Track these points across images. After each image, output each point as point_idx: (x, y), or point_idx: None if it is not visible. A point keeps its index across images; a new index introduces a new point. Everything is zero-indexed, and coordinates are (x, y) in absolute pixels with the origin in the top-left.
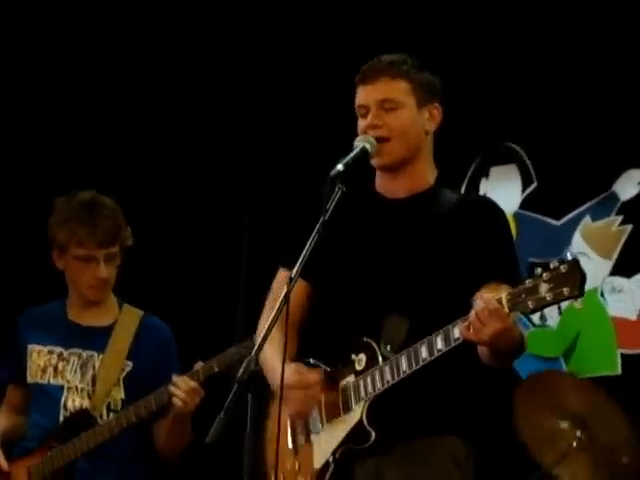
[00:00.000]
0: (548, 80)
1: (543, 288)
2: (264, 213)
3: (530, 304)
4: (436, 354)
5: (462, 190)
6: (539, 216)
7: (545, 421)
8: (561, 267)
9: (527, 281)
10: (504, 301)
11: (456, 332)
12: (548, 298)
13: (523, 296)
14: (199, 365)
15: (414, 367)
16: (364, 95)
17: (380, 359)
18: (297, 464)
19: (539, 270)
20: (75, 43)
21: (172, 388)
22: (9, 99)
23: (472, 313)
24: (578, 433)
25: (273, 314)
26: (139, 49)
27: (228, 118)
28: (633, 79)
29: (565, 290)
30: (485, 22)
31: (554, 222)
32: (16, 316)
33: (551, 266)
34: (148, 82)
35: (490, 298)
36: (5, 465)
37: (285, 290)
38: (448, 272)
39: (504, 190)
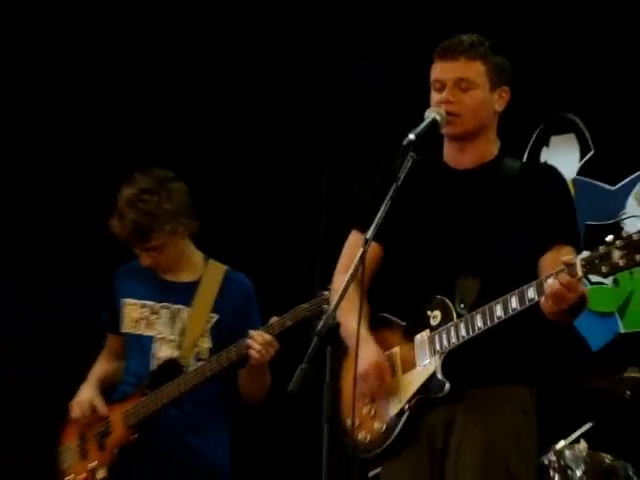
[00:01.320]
0: (603, 55)
1: (616, 254)
2: (342, 167)
3: (604, 269)
4: (511, 313)
5: (524, 158)
6: (596, 182)
7: None
8: (633, 236)
9: (600, 248)
10: (578, 266)
11: (530, 293)
12: (621, 264)
13: (596, 261)
14: (274, 320)
15: (489, 324)
16: (441, 71)
17: (455, 316)
18: (373, 410)
19: (611, 237)
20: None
21: (249, 341)
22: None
23: (550, 283)
24: None
25: (349, 274)
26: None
27: (306, 73)
28: None
29: (637, 257)
30: None
31: (610, 187)
32: (113, 271)
33: (623, 234)
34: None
35: (567, 262)
36: (103, 410)
37: (361, 251)
38: (515, 235)
39: (563, 158)
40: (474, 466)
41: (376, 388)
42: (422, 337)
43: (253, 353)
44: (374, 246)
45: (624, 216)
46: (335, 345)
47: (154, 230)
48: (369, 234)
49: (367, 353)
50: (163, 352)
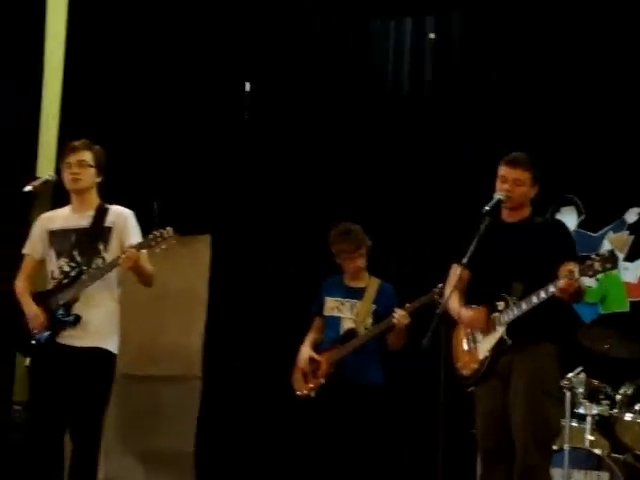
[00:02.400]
0: (594, 156)
1: (597, 265)
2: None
3: (590, 272)
4: (540, 300)
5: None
6: (585, 231)
7: None
8: (604, 253)
9: (587, 262)
10: (576, 271)
11: (551, 288)
12: (600, 269)
13: (586, 269)
14: (407, 305)
15: (529, 307)
16: (506, 173)
17: (511, 303)
18: (470, 357)
19: (593, 255)
20: None
21: (393, 319)
22: None
23: (561, 282)
24: None
25: (453, 283)
26: None
27: None
28: None
29: (608, 265)
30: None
31: (593, 234)
32: (321, 278)
33: (600, 254)
34: None
35: (569, 269)
36: (316, 356)
37: (460, 269)
38: (542, 259)
39: (568, 219)
40: (523, 388)
41: (477, 327)
42: (494, 316)
43: (396, 322)
44: (465, 271)
45: (600, 250)
46: (446, 322)
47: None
48: (465, 260)
49: (466, 312)
50: (346, 325)
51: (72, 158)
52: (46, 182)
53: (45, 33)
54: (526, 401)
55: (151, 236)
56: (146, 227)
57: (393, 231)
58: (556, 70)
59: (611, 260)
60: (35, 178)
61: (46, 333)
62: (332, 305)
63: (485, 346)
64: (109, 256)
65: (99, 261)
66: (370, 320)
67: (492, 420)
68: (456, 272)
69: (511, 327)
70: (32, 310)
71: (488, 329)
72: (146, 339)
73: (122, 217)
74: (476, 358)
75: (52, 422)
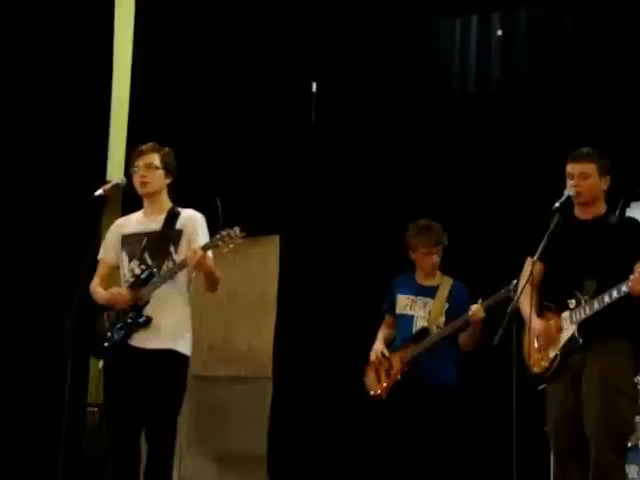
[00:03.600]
0: None
1: None
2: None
3: None
4: (612, 299)
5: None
6: None
7: None
8: None
9: None
10: None
11: (623, 288)
12: None
13: None
14: (481, 302)
15: (601, 306)
16: (571, 168)
17: (582, 302)
18: (540, 355)
19: None
20: None
21: (470, 313)
22: None
23: (633, 279)
24: None
25: (526, 279)
26: None
27: None
28: None
29: None
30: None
31: None
32: (392, 278)
33: None
34: None
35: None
36: (387, 353)
37: (532, 267)
38: (615, 257)
39: (638, 214)
40: (595, 386)
41: (544, 341)
42: (565, 314)
43: (472, 314)
44: (539, 265)
45: None
46: (518, 319)
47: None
48: (535, 257)
49: (536, 323)
50: (419, 324)
51: (140, 161)
52: (116, 186)
53: (114, 36)
54: (599, 399)
55: (218, 236)
56: (214, 227)
57: (466, 229)
58: (623, 65)
59: None
60: (105, 182)
61: (118, 335)
62: (404, 303)
63: (556, 344)
64: (180, 259)
65: (170, 264)
66: (443, 319)
67: (565, 418)
68: (528, 268)
69: (583, 324)
70: (111, 292)
71: (558, 330)
72: (217, 340)
73: (192, 220)
74: (547, 356)
75: (127, 424)
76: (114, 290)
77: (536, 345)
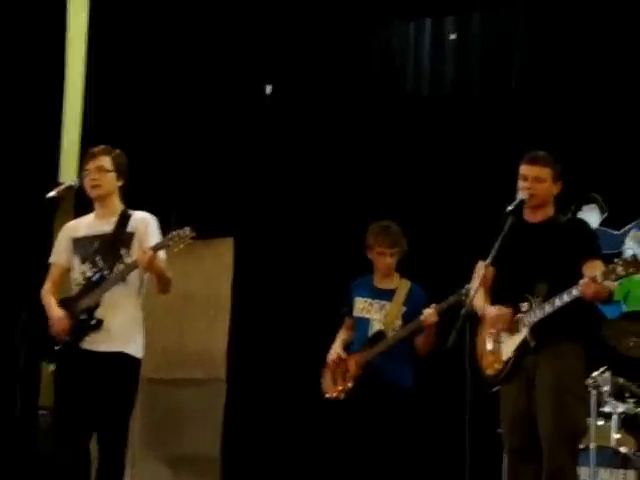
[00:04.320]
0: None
1: (619, 269)
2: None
3: (613, 277)
4: (564, 302)
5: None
6: (608, 229)
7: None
8: (627, 258)
9: (610, 266)
10: (599, 275)
11: (574, 292)
12: (622, 273)
13: (608, 273)
14: (434, 306)
15: (553, 309)
16: (526, 171)
17: (534, 305)
18: (493, 357)
19: (616, 260)
20: None
21: (422, 317)
22: None
23: (582, 284)
24: None
25: (477, 282)
26: None
27: None
28: None
29: (631, 269)
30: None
31: (616, 232)
32: (349, 281)
33: (623, 258)
34: None
35: (591, 276)
36: (344, 356)
37: (485, 270)
38: (565, 259)
39: (591, 217)
40: (548, 388)
41: (501, 326)
42: (517, 317)
43: (424, 319)
44: (490, 269)
45: (623, 247)
46: (471, 322)
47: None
48: (488, 260)
49: (491, 310)
50: (375, 327)
51: (91, 164)
52: (69, 188)
53: (66, 39)
54: (551, 401)
55: (169, 236)
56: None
57: (419, 232)
58: (576, 68)
59: (635, 264)
60: (58, 184)
61: (69, 338)
62: (361, 306)
63: (509, 347)
64: (131, 261)
65: (121, 266)
66: (399, 322)
67: (518, 420)
68: (479, 271)
69: (535, 327)
70: (56, 314)
71: (512, 329)
72: (170, 343)
73: (143, 222)
74: (500, 358)
75: (78, 427)
76: (58, 313)
77: (489, 347)
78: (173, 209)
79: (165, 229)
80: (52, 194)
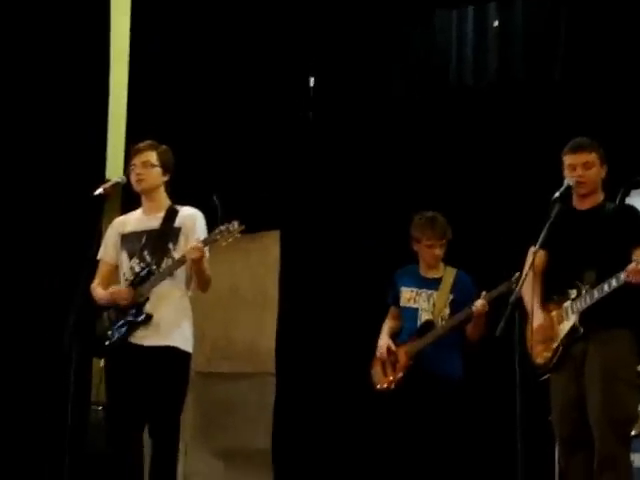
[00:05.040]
0: None
1: None
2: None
3: None
4: (611, 289)
5: (617, 202)
6: None
7: None
8: None
9: None
10: None
11: (622, 277)
12: None
13: None
14: (484, 295)
15: (601, 295)
16: (573, 160)
17: (583, 292)
18: (544, 345)
19: None
20: None
21: (473, 307)
22: None
23: (630, 270)
24: None
25: (527, 268)
26: None
27: None
28: None
29: None
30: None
31: None
32: (394, 271)
33: None
34: None
35: (638, 261)
36: (394, 347)
37: (533, 257)
38: (615, 245)
39: (638, 202)
40: (597, 375)
41: (541, 337)
42: (567, 304)
43: (475, 310)
44: (542, 253)
45: None
46: (520, 310)
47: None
48: (536, 247)
49: (535, 317)
50: (424, 317)
51: (136, 160)
52: (116, 184)
53: (110, 34)
54: (601, 388)
55: (217, 231)
56: (213, 224)
57: (468, 221)
58: (620, 54)
59: None
60: (105, 181)
61: (118, 333)
62: (408, 296)
63: (556, 337)
64: (178, 256)
65: (169, 261)
66: (447, 311)
67: (568, 408)
68: (530, 257)
69: (584, 314)
70: (111, 291)
71: (560, 317)
72: (219, 337)
73: (191, 218)
74: (549, 347)
75: (130, 421)
76: (114, 288)
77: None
78: (219, 203)
79: (212, 224)
80: (99, 191)
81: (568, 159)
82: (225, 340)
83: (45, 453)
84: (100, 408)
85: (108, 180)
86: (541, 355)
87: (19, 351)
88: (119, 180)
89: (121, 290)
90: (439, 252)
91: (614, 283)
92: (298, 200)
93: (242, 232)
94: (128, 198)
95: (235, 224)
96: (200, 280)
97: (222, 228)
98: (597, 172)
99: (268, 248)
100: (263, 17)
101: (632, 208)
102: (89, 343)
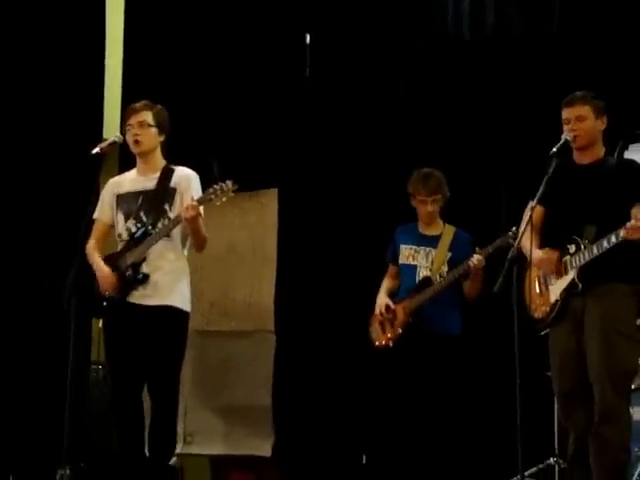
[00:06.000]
0: None
1: None
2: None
3: None
4: (611, 244)
5: (616, 156)
6: None
7: None
8: None
9: None
10: None
11: (622, 233)
12: None
13: None
14: (480, 250)
15: (600, 251)
16: (567, 113)
17: (582, 247)
18: (542, 300)
19: None
20: None
21: (469, 263)
22: None
23: (629, 226)
24: None
25: (525, 223)
26: None
27: None
28: None
29: None
30: None
31: None
32: (393, 228)
33: None
34: None
35: (638, 218)
36: (392, 305)
37: (531, 211)
38: (615, 201)
39: (637, 156)
40: (595, 329)
41: (547, 268)
42: (566, 259)
43: (472, 266)
44: (540, 208)
45: None
46: (518, 266)
47: (442, 186)
48: (534, 202)
49: (537, 253)
50: (422, 273)
51: (133, 120)
52: (113, 143)
53: None
54: (599, 342)
55: (211, 190)
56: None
57: (466, 176)
58: (618, 6)
59: None
60: (102, 140)
61: (116, 293)
62: (407, 253)
63: (556, 289)
64: (174, 216)
65: (165, 221)
66: (445, 268)
67: (567, 362)
68: (528, 212)
69: (583, 269)
70: (103, 271)
71: (560, 272)
72: (218, 295)
73: (186, 178)
74: (548, 301)
75: (129, 380)
76: (103, 272)
77: (537, 290)
78: (215, 162)
79: (207, 182)
80: (96, 150)
81: (564, 113)
82: (224, 298)
83: (46, 412)
84: (100, 367)
85: (105, 139)
86: (540, 310)
87: (19, 310)
88: (116, 139)
89: (108, 277)
90: (431, 208)
91: (613, 239)
92: (295, 158)
93: (240, 190)
94: (125, 157)
95: (229, 183)
96: (196, 240)
97: (216, 187)
98: (592, 125)
99: (266, 206)
100: None
101: (633, 163)
102: (88, 302)
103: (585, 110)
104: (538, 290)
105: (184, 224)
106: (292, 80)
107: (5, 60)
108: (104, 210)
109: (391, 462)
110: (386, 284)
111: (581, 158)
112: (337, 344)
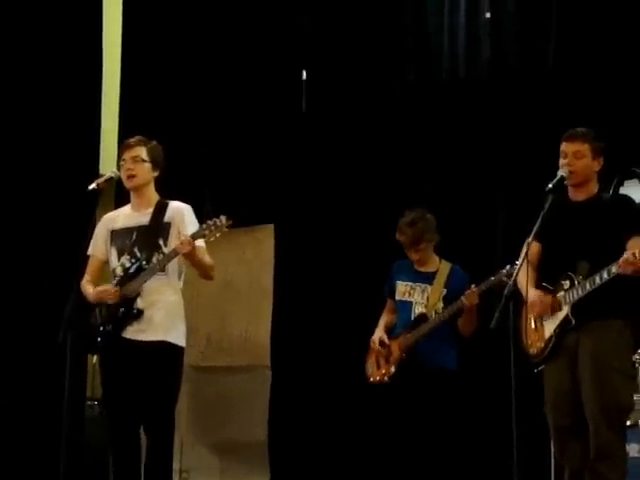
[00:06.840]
0: None
1: None
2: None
3: None
4: (603, 280)
5: (611, 192)
6: None
7: None
8: None
9: None
10: (637, 252)
11: (613, 269)
12: None
13: None
14: (474, 287)
15: (593, 287)
16: (565, 147)
17: (576, 283)
18: (537, 336)
19: None
20: None
21: (463, 299)
22: None
23: (624, 258)
24: None
25: (522, 259)
26: None
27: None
28: None
29: None
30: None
31: None
32: (390, 263)
33: None
34: None
35: (631, 253)
36: (387, 340)
37: (527, 248)
38: (608, 236)
39: (633, 192)
40: (589, 364)
41: (541, 311)
42: (560, 295)
43: (465, 303)
44: (536, 244)
45: None
46: (514, 302)
47: (424, 234)
48: (530, 238)
49: (532, 292)
50: (417, 310)
51: (127, 155)
52: (109, 179)
53: (102, 32)
54: (593, 378)
55: (204, 225)
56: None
57: (462, 214)
58: (613, 43)
59: None
60: (98, 176)
61: (110, 329)
62: (403, 290)
63: (551, 325)
64: (168, 251)
65: (160, 256)
66: (441, 304)
67: (562, 398)
68: (524, 249)
69: (576, 305)
70: (99, 288)
71: (554, 308)
72: (214, 331)
73: (180, 212)
74: (542, 337)
75: (126, 417)
76: (100, 288)
77: (533, 325)
78: (209, 198)
79: (200, 218)
80: (93, 186)
81: (562, 146)
82: (220, 334)
83: (41, 448)
84: (95, 403)
85: (102, 175)
86: (534, 345)
87: (15, 347)
88: (112, 175)
89: (108, 289)
90: (417, 256)
91: (605, 275)
92: (292, 194)
93: (236, 226)
94: (122, 193)
95: (223, 219)
96: (200, 270)
97: (210, 222)
98: (588, 164)
99: (262, 242)
100: (256, 11)
101: (625, 197)
102: (83, 339)
103: (584, 148)
104: (533, 326)
105: (180, 259)
106: (288, 115)
107: (3, 96)
108: (98, 246)
109: None
110: (384, 319)
111: (575, 195)
112: (333, 380)
